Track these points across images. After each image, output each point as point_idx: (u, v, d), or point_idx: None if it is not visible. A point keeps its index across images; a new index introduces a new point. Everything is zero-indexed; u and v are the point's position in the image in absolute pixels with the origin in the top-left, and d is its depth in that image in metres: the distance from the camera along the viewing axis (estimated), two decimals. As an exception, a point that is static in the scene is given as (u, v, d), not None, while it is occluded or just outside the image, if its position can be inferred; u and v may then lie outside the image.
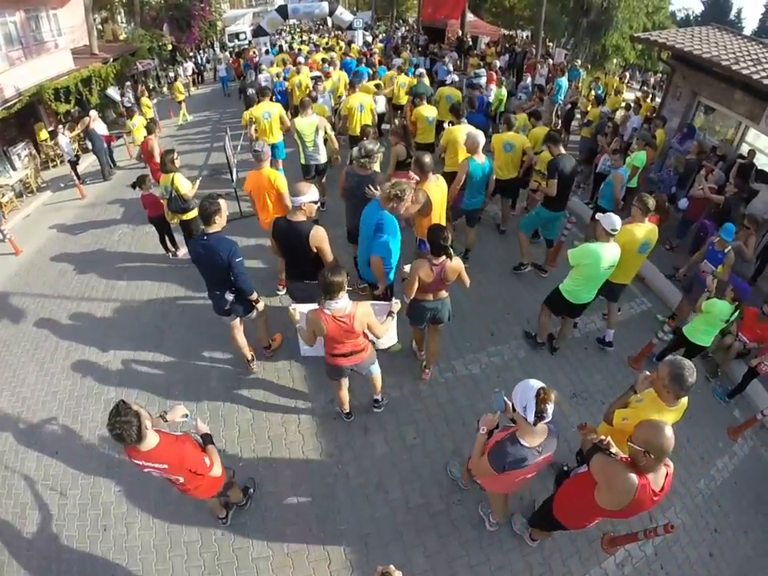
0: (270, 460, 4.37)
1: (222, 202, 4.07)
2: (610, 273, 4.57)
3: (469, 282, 4.24)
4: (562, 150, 5.90)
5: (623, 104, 12.57)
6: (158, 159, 7.28)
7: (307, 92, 9.23)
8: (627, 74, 17.76)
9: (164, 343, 5.67)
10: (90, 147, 11.46)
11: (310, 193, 4.13)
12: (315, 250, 4.20)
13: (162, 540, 3.87)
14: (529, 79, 12.92)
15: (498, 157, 6.52)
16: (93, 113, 12.04)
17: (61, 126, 11.29)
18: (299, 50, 18.04)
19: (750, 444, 4.96)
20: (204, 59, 26.08)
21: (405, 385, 4.96)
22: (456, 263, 4.03)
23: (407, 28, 29.45)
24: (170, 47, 21.94)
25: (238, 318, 4.64)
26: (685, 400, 3.12)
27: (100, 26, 19.73)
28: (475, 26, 22.28)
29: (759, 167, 7.71)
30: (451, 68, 12.85)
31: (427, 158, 4.72)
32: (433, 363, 5.03)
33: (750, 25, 59.07)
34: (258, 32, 20.28)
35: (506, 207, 7.48)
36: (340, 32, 23.62)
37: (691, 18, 51.28)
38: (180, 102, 16.16)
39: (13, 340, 6.15)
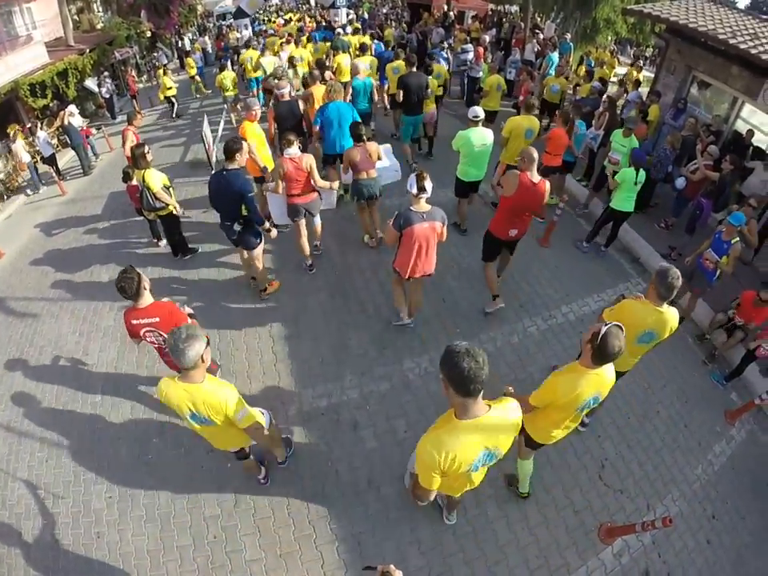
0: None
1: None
2: (485, 150, 5.98)
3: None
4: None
5: (615, 78, 12.44)
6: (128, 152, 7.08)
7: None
8: (617, 48, 17.47)
9: (146, 345, 5.50)
10: (69, 142, 11.20)
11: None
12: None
13: (155, 545, 3.84)
14: (517, 54, 12.73)
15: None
16: (71, 107, 11.87)
17: (38, 122, 11.07)
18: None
19: (747, 428, 4.96)
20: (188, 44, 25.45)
21: (393, 376, 4.92)
22: (374, 145, 5.76)
23: (391, 5, 28.99)
24: (148, 34, 21.50)
25: (245, 252, 5.40)
26: (670, 311, 3.43)
27: (76, 17, 19.25)
28: (462, 1, 21.83)
29: (754, 144, 7.63)
30: (470, 56, 11.86)
31: None
32: (415, 311, 5.28)
33: (741, 2, 58.28)
34: (238, 13, 19.84)
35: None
36: (323, 10, 23.16)
37: None
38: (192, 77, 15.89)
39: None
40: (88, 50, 15.68)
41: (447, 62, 11.16)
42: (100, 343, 5.72)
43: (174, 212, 6.37)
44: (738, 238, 5.18)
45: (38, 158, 11.30)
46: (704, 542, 4.03)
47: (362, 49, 10.14)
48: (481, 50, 11.27)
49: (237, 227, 4.92)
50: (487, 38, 12.83)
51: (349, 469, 4.21)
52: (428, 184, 4.20)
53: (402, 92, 7.69)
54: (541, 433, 3.37)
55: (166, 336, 3.53)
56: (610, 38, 21.05)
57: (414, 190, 4.20)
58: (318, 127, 6.49)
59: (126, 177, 6.84)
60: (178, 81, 16.63)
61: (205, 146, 7.78)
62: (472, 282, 6.06)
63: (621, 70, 15.97)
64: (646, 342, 3.59)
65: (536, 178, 4.67)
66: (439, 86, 9.24)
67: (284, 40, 13.00)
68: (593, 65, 12.93)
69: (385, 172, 6.52)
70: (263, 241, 5.31)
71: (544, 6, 21.22)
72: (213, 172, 5.41)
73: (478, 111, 5.84)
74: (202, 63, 18.62)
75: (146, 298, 3.66)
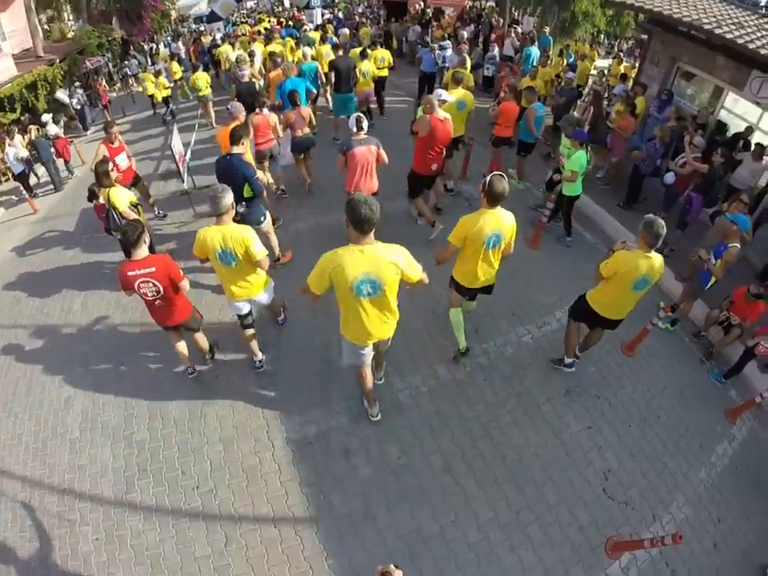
0: (246, 497, 4.08)
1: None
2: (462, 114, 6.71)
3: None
4: (340, 53, 9.46)
5: (594, 71, 12.31)
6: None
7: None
8: (601, 39, 17.31)
9: (124, 375, 5.30)
10: (37, 157, 10.81)
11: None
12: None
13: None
14: (496, 50, 12.54)
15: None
16: (44, 116, 11.53)
17: (6, 137, 10.66)
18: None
19: (748, 426, 4.85)
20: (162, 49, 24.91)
21: (384, 399, 4.64)
22: (306, 110, 7.25)
23: (366, 4, 28.72)
24: (121, 41, 21.03)
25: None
26: (658, 258, 3.85)
27: (46, 26, 18.77)
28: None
29: (738, 133, 7.54)
30: (448, 53, 11.34)
31: None
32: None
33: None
34: (212, 17, 19.47)
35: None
36: (297, 11, 22.85)
37: None
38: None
39: None
40: (58, 61, 15.21)
41: (433, 62, 11.08)
42: (76, 373, 5.44)
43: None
44: (737, 244, 5.04)
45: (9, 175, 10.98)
46: (711, 545, 3.92)
47: (323, 39, 12.13)
48: (464, 46, 11.00)
49: (241, 209, 5.02)
50: (465, 34, 12.59)
51: (342, 499, 3.98)
52: (365, 124, 5.62)
53: (333, 73, 9.15)
54: (462, 276, 4.36)
55: (159, 287, 4.03)
56: (588, 31, 20.89)
57: (355, 129, 5.59)
58: (278, 99, 8.06)
59: (92, 196, 6.38)
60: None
61: (174, 157, 7.33)
62: None
63: (601, 63, 15.84)
64: (641, 288, 3.98)
65: (441, 116, 5.77)
66: (381, 68, 10.42)
67: (251, 38, 14.79)
68: (573, 58, 12.73)
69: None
70: (266, 218, 5.64)
71: (521, 1, 21.11)
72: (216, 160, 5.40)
73: (438, 92, 6.36)
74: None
75: (143, 251, 4.02)
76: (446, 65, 10.91)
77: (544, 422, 4.53)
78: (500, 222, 3.95)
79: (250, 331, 4.68)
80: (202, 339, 4.86)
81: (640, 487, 4.18)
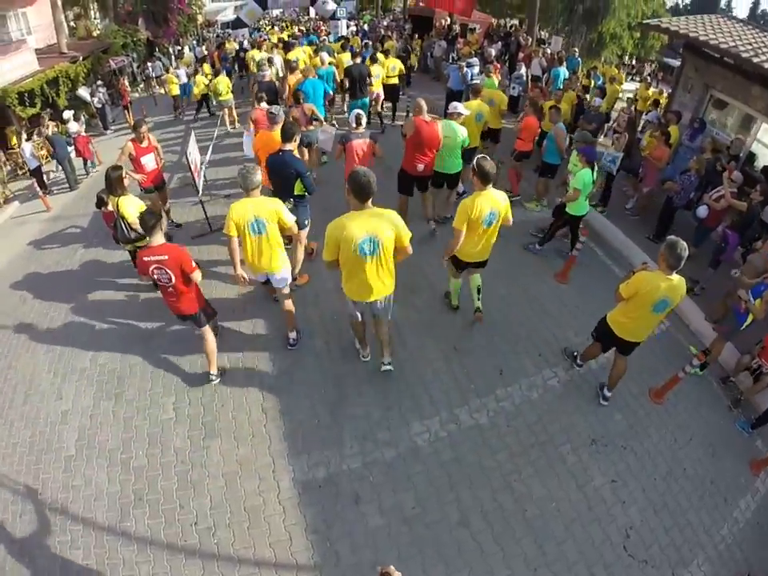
0: (247, 539, 3.78)
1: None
2: (451, 143, 6.20)
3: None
4: (357, 61, 10.07)
5: (621, 94, 12.04)
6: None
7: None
8: (631, 64, 16.97)
9: (124, 392, 5.05)
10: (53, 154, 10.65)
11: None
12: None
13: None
14: (523, 69, 12.27)
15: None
16: (66, 112, 11.43)
17: (24, 133, 10.56)
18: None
19: (771, 479, 4.50)
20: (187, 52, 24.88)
21: (401, 442, 4.32)
22: (310, 106, 7.66)
23: (392, 17, 28.68)
24: (145, 42, 21.05)
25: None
26: (679, 280, 3.78)
27: (73, 23, 18.80)
28: (464, 14, 21.43)
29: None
30: (476, 70, 11.28)
31: None
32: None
33: (739, 15, 58.52)
34: (237, 24, 19.39)
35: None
36: (322, 22, 22.84)
37: (681, 6, 50.08)
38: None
39: None
40: (81, 58, 15.14)
41: (461, 79, 10.80)
42: (75, 387, 5.22)
43: None
44: None
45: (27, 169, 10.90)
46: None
47: (343, 48, 13.21)
48: (497, 65, 10.82)
49: (289, 205, 5.02)
50: (493, 52, 12.36)
51: (351, 549, 3.66)
52: (363, 120, 6.39)
53: (347, 80, 9.79)
54: (461, 253, 4.71)
55: (171, 275, 4.14)
56: (615, 53, 20.64)
57: (354, 124, 6.33)
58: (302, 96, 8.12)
59: (100, 203, 6.17)
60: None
61: (190, 167, 6.98)
62: (488, 325, 5.47)
63: (626, 86, 15.56)
64: (661, 310, 3.93)
65: (428, 119, 6.05)
66: (392, 76, 11.19)
67: (275, 44, 15.54)
68: (601, 80, 12.44)
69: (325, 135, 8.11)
70: (309, 224, 5.79)
71: (549, 20, 20.96)
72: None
73: (455, 105, 6.37)
74: (186, 79, 16.85)
75: (159, 238, 4.17)
76: (474, 82, 10.66)
77: (568, 474, 4.20)
78: (495, 202, 4.40)
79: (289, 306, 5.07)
80: (209, 345, 4.80)
81: (662, 545, 3.88)
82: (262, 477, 4.09)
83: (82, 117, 13.89)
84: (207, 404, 4.75)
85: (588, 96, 11.44)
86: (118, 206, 5.42)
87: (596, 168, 5.88)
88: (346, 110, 11.24)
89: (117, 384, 5.13)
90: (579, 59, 13.61)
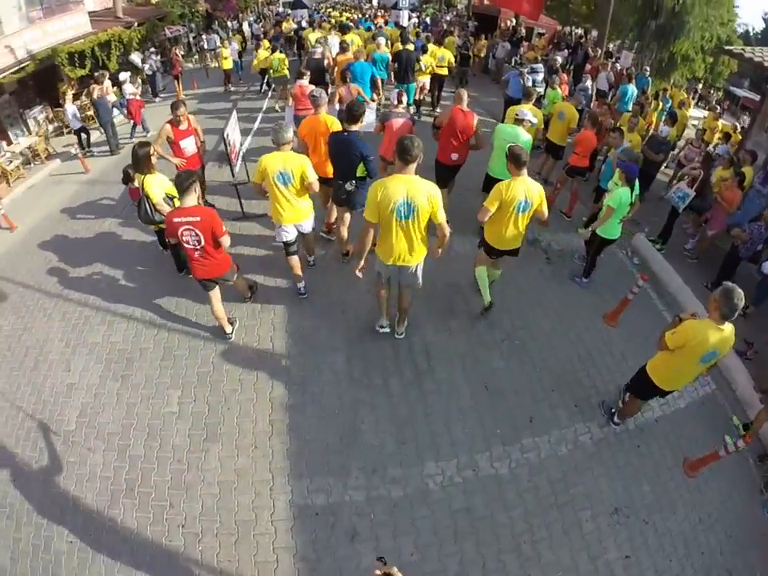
0: (233, 553, 3.59)
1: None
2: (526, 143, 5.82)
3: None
4: (408, 47, 10.25)
5: (689, 121, 11.35)
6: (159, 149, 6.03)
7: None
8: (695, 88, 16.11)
9: (131, 376, 4.92)
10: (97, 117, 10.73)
11: None
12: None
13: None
14: (589, 82, 11.71)
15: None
16: (123, 74, 11.59)
17: (70, 93, 10.62)
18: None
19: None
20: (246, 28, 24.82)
21: (411, 482, 3.99)
22: (356, 87, 8.00)
23: (455, 13, 28.14)
24: (204, 14, 21.09)
25: (348, 213, 5.61)
26: (731, 331, 3.49)
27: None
28: (530, 16, 20.81)
29: None
30: (539, 77, 11.04)
31: None
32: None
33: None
34: (297, 4, 19.27)
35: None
36: (384, 11, 22.55)
37: (751, 35, 47.58)
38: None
39: None
40: (136, 24, 15.17)
41: (521, 87, 10.14)
42: (84, 361, 5.15)
43: None
44: None
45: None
46: None
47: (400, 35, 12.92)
48: (564, 76, 10.34)
49: (349, 186, 5.20)
50: (559, 59, 11.87)
51: (337, 588, 3.42)
52: (404, 99, 6.76)
53: (395, 63, 10.17)
54: (492, 237, 4.86)
55: (201, 237, 4.22)
56: (685, 76, 19.69)
57: (395, 102, 6.61)
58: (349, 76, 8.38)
59: (126, 178, 5.99)
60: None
61: (227, 148, 6.53)
62: (524, 364, 5.03)
63: (694, 113, 14.81)
64: (708, 360, 3.67)
65: (465, 109, 6.07)
66: (441, 67, 11.27)
67: (333, 26, 15.60)
68: (670, 104, 11.72)
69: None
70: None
71: (620, 33, 20.13)
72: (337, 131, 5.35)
73: (524, 112, 6.17)
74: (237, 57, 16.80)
75: (192, 199, 4.24)
76: (539, 91, 10.27)
77: (582, 542, 3.81)
78: (529, 189, 4.47)
79: (295, 258, 5.32)
80: (241, 283, 5.16)
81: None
82: (258, 492, 3.88)
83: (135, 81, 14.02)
84: (213, 404, 4.56)
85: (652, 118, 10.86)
86: (143, 184, 5.18)
87: (635, 190, 5.43)
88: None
89: (125, 366, 5.02)
90: (649, 79, 12.98)
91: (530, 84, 10.09)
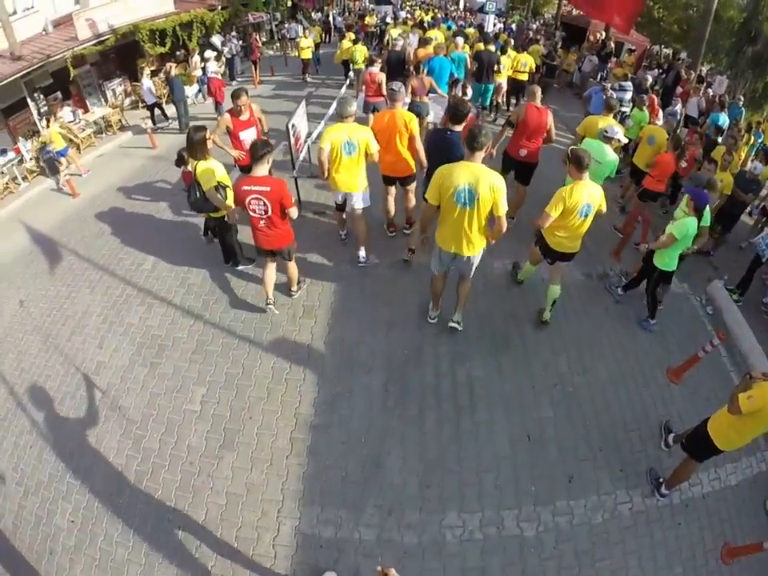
0: (228, 568, 3.41)
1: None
2: (598, 169, 5.32)
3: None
4: (490, 47, 10.33)
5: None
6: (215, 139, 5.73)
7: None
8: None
9: (160, 364, 4.83)
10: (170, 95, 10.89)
11: None
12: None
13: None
14: (679, 106, 10.88)
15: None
16: (208, 52, 12.06)
17: (148, 69, 10.87)
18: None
19: None
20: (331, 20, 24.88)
21: (428, 530, 3.60)
22: (428, 79, 8.13)
23: (542, 22, 27.29)
24: (289, 3, 21.28)
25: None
26: None
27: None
28: (621, 31, 19.73)
29: None
30: (627, 97, 10.43)
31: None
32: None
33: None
34: (381, 0, 19.14)
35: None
36: (470, 13, 22.16)
37: None
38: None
39: (32, 299, 6.02)
40: (220, 8, 15.40)
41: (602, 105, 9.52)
42: (117, 340, 5.14)
43: (226, 219, 5.33)
44: None
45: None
46: None
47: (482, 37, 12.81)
48: (653, 97, 9.62)
49: None
50: (650, 78, 11.12)
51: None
52: (468, 92, 7.47)
53: (476, 63, 10.06)
54: (551, 239, 4.72)
55: (269, 206, 4.31)
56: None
57: (460, 94, 7.14)
58: (426, 70, 8.70)
59: (180, 161, 5.88)
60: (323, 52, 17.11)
61: (290, 140, 6.25)
62: (574, 416, 4.46)
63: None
64: None
65: (540, 106, 6.01)
66: (522, 72, 11.23)
67: (416, 24, 16.23)
68: (762, 138, 10.74)
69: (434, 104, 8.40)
70: None
71: (714, 57, 18.86)
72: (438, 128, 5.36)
73: (615, 129, 5.66)
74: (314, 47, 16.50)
75: (264, 169, 4.33)
76: (624, 110, 9.67)
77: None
78: (592, 194, 4.41)
79: (342, 214, 5.81)
80: (293, 269, 5.13)
81: None
82: (265, 512, 3.64)
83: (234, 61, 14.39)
84: (236, 409, 4.35)
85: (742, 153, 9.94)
86: (195, 170, 4.96)
87: (704, 219, 4.89)
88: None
89: (156, 353, 4.94)
90: (743, 109, 11.98)
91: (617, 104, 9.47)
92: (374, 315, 5.22)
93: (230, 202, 5.06)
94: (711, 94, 12.13)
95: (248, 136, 5.98)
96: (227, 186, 5.13)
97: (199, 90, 12.77)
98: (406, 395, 4.46)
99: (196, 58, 12.06)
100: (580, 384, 4.66)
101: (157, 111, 11.49)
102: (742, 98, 12.77)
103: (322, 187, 7.28)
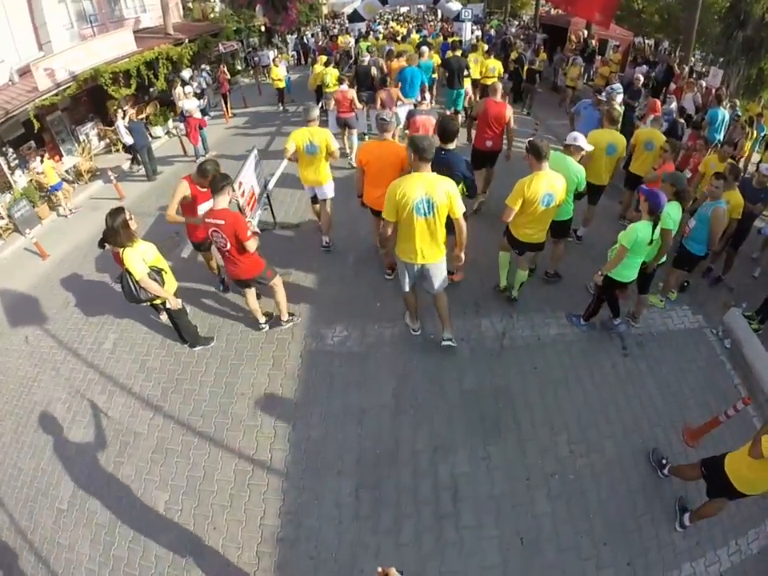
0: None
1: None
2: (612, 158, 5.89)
3: None
4: (458, 53, 10.77)
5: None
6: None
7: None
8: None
9: (122, 463, 4.41)
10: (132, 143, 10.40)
11: None
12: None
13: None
14: (674, 104, 10.39)
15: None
16: (187, 87, 11.79)
17: (120, 110, 10.49)
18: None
19: None
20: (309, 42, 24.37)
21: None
22: (396, 90, 9.14)
23: (519, 24, 27.12)
24: (262, 29, 21.04)
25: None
26: None
27: (190, 4, 19.08)
28: (602, 27, 19.36)
29: None
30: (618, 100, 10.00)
31: None
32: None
33: None
34: (354, 17, 18.83)
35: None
36: (446, 23, 21.95)
37: None
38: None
39: (2, 381, 5.64)
40: (187, 41, 14.98)
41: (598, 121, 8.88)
42: (82, 433, 4.74)
43: (169, 305, 4.77)
44: None
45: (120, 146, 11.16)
46: None
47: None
48: (656, 102, 9.24)
49: None
50: (641, 78, 10.71)
51: None
52: (427, 96, 7.91)
53: (445, 71, 10.69)
54: (517, 231, 4.88)
55: (226, 239, 4.34)
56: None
57: (420, 98, 7.75)
58: (398, 83, 9.35)
59: (103, 243, 4.66)
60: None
61: (238, 202, 5.52)
62: (575, 508, 3.83)
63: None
64: None
65: (498, 100, 6.72)
66: (490, 77, 11.55)
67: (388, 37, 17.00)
68: (764, 132, 9.86)
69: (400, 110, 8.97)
70: None
71: (703, 45, 18.48)
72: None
73: (573, 136, 5.19)
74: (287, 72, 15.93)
75: (222, 201, 4.36)
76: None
77: None
78: (552, 184, 4.47)
79: (317, 206, 6.54)
80: (279, 295, 5.11)
81: None
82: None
83: (204, 96, 13.95)
84: (199, 519, 3.87)
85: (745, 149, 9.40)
86: (122, 258, 4.32)
87: (664, 221, 4.44)
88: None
89: (118, 450, 4.53)
90: (736, 100, 11.31)
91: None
92: (344, 402, 4.66)
93: (170, 286, 4.61)
94: (705, 86, 11.60)
95: (205, 209, 5.12)
96: (162, 270, 4.60)
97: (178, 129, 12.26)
98: (381, 502, 3.89)
99: (178, 90, 11.71)
100: (583, 469, 4.05)
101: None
102: (732, 86, 12.16)
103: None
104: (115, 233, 4.23)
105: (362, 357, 5.09)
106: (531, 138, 4.56)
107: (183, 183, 5.09)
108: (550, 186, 4.45)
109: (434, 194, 3.90)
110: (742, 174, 5.75)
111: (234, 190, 4.95)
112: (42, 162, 9.67)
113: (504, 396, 4.64)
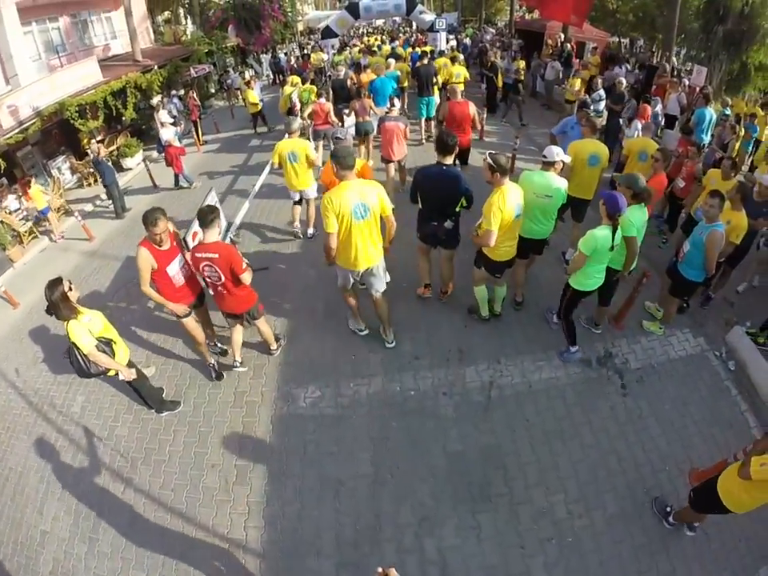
0: None
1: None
2: (547, 204, 4.89)
3: None
4: (425, 62, 11.50)
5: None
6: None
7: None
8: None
9: (97, 540, 4.09)
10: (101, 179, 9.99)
11: None
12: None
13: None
14: (659, 106, 10.26)
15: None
16: (164, 116, 11.51)
17: (94, 141, 10.15)
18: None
19: None
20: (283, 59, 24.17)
21: None
22: (368, 101, 9.53)
23: (495, 31, 27.17)
24: (233, 50, 20.83)
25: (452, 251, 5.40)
26: None
27: (162, 28, 18.86)
28: (578, 28, 19.28)
29: None
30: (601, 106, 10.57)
31: None
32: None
33: None
34: (327, 33, 18.69)
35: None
36: (421, 35, 21.92)
37: None
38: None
39: None
40: (156, 67, 14.64)
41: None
42: (56, 507, 4.41)
43: (122, 377, 4.42)
44: None
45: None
46: None
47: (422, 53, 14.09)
48: (648, 109, 9.10)
49: (449, 224, 5.00)
50: (624, 81, 10.53)
51: None
52: (396, 104, 8.40)
53: (415, 79, 11.49)
54: (493, 253, 4.76)
55: (220, 274, 4.29)
56: (758, 89, 17.46)
57: (389, 106, 8.25)
58: (369, 94, 9.87)
59: (49, 310, 4.10)
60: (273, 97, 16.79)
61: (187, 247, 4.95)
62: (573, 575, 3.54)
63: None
64: None
65: (460, 100, 7.77)
66: (458, 82, 11.40)
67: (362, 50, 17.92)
68: (757, 132, 9.65)
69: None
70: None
71: (682, 42, 18.42)
72: (427, 166, 5.05)
73: (553, 151, 4.94)
74: (260, 91, 15.38)
75: (213, 234, 4.28)
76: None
77: None
78: (517, 195, 4.49)
79: (297, 207, 7.58)
80: (265, 329, 5.14)
81: None
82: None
83: (179, 123, 13.60)
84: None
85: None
86: (67, 332, 3.99)
87: (625, 228, 4.30)
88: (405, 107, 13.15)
89: (92, 525, 4.19)
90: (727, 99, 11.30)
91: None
92: (319, 473, 4.33)
93: (121, 357, 4.31)
94: (689, 85, 11.47)
95: (175, 270, 4.61)
96: (112, 341, 4.29)
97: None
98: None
99: (161, 114, 11.48)
100: (582, 529, 3.74)
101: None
102: (715, 81, 12.01)
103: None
104: (55, 306, 3.89)
105: (336, 420, 4.75)
106: (491, 152, 4.40)
107: (142, 252, 4.35)
108: (517, 197, 4.48)
109: (366, 197, 4.21)
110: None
111: (187, 250, 4.74)
112: (25, 191, 9.62)
113: (493, 456, 4.31)
